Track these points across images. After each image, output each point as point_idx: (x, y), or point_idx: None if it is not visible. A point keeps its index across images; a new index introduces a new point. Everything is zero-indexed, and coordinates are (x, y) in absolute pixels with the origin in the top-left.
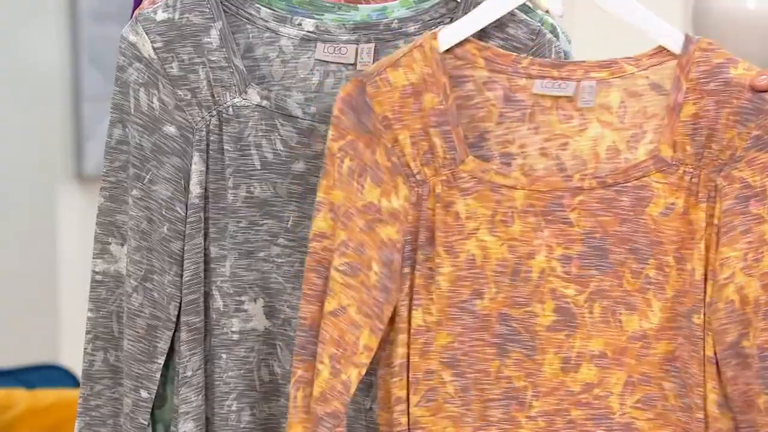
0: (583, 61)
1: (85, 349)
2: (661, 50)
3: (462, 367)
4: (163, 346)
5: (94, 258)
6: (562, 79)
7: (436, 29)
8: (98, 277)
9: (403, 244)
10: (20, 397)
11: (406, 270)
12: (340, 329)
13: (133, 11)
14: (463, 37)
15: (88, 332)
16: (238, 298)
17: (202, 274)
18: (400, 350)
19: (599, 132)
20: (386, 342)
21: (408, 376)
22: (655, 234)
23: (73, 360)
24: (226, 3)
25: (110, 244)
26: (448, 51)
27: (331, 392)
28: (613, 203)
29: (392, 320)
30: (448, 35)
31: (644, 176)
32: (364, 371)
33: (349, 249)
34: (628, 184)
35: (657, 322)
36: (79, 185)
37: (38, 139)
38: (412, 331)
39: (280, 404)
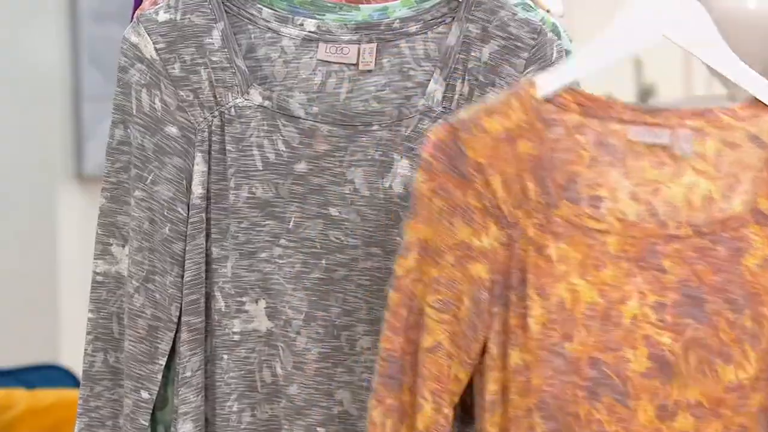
0: (677, 108)
1: (85, 350)
2: (756, 102)
3: (551, 410)
4: (165, 347)
5: (95, 259)
6: (656, 125)
7: (533, 76)
8: (99, 278)
9: (492, 283)
10: (20, 397)
11: (496, 309)
12: (438, 364)
13: (134, 11)
14: (561, 85)
15: (88, 333)
16: (239, 298)
17: (203, 275)
18: (492, 387)
19: (693, 180)
20: (477, 378)
21: (506, 413)
22: (752, 286)
23: (73, 360)
24: (228, 3)
25: (111, 245)
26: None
27: (435, 426)
28: (709, 252)
29: (482, 357)
30: (547, 83)
31: (741, 227)
32: (456, 400)
33: (441, 285)
34: (725, 234)
35: (753, 373)
36: (79, 185)
37: (38, 139)
38: (510, 369)
39: (281, 405)
